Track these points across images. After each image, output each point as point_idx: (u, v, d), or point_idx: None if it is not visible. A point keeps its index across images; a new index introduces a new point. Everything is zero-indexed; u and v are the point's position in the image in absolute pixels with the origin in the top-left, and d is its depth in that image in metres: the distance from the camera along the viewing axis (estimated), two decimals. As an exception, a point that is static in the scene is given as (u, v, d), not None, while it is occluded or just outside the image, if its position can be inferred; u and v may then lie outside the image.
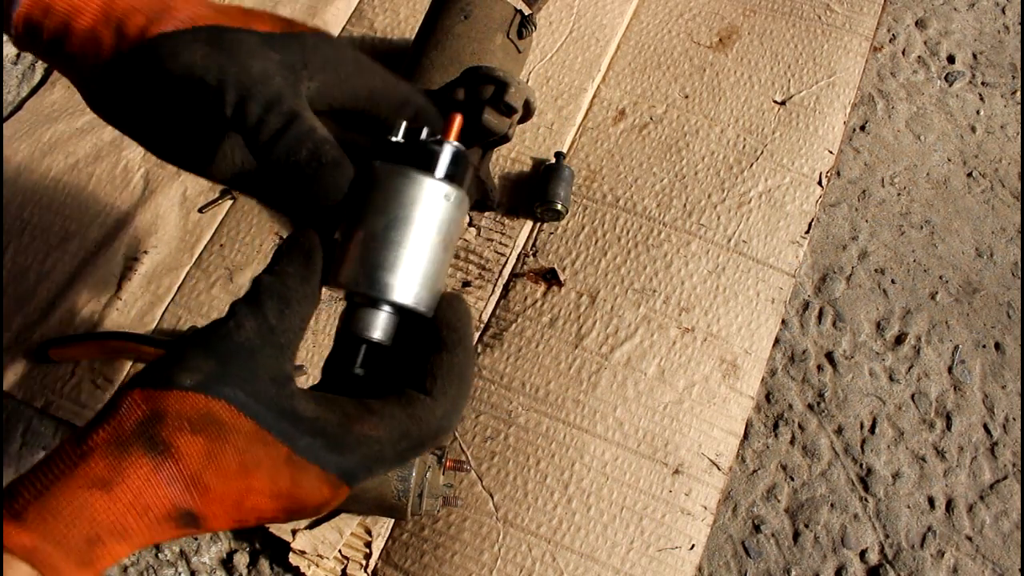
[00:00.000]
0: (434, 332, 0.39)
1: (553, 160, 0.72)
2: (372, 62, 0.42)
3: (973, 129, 0.80)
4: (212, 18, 0.40)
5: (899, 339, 0.70)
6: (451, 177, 0.39)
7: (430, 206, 0.38)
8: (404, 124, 0.40)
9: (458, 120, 0.40)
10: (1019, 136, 0.79)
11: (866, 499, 0.64)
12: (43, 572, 0.30)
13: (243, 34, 0.39)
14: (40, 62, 0.80)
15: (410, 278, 0.38)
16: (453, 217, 0.39)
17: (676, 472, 0.62)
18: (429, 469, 0.57)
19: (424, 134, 0.39)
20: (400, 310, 0.39)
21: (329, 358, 0.42)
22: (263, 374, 0.35)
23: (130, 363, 0.65)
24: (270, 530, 0.60)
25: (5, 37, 0.84)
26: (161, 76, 0.39)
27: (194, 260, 0.69)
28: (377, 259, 0.38)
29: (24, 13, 0.39)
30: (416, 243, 0.38)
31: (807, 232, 0.71)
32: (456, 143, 0.39)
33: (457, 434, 0.63)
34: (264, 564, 0.61)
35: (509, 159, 0.74)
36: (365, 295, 0.38)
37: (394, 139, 0.39)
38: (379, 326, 0.39)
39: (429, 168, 0.38)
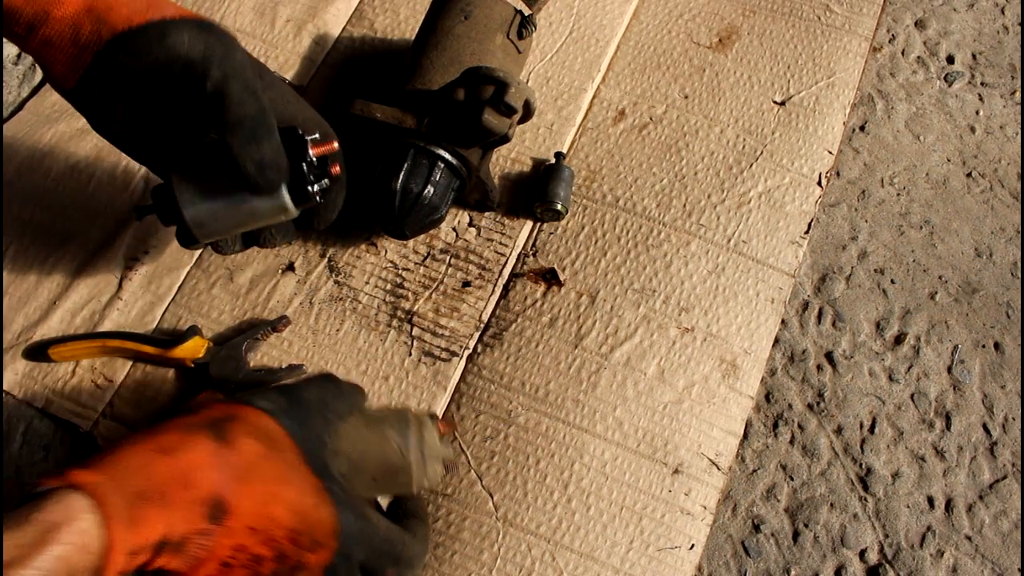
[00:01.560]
0: (413, 505, 0.53)
1: (553, 160, 0.73)
2: (303, 100, 0.52)
3: (972, 129, 0.80)
4: (195, 15, 0.44)
5: (899, 339, 0.70)
6: (298, 198, 0.51)
7: (271, 212, 0.51)
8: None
9: (333, 144, 0.53)
10: (1018, 136, 0.79)
11: (866, 499, 0.64)
12: (100, 508, 0.34)
13: (223, 29, 0.45)
14: (40, 62, 0.80)
15: (203, 211, 0.50)
16: (270, 212, 0.51)
17: (676, 472, 0.62)
18: (425, 427, 0.54)
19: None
20: (178, 219, 0.51)
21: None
22: (314, 427, 0.45)
23: (130, 363, 0.65)
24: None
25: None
26: (148, 56, 0.42)
27: (194, 260, 0.69)
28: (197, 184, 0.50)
29: (6, 2, 0.41)
30: (233, 201, 0.50)
31: (807, 232, 0.71)
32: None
33: (457, 434, 0.63)
34: (264, 564, 0.61)
35: (509, 159, 0.74)
36: (172, 197, 0.50)
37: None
38: (157, 217, 0.52)
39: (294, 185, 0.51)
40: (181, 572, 0.38)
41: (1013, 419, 0.67)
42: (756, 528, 0.63)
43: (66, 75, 0.44)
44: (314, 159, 0.51)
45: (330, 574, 0.42)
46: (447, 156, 0.63)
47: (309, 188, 0.50)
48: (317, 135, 0.52)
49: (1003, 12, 0.86)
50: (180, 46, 0.42)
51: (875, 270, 0.73)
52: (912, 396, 0.68)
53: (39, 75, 0.80)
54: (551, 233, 0.71)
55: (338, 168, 0.53)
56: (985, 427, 0.67)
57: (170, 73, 0.43)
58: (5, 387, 0.64)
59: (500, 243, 0.70)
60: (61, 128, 0.74)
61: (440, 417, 0.58)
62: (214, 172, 0.49)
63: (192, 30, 0.43)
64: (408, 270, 0.69)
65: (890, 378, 0.68)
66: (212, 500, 0.38)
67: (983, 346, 0.70)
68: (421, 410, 0.56)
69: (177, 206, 0.49)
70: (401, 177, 0.62)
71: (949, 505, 0.64)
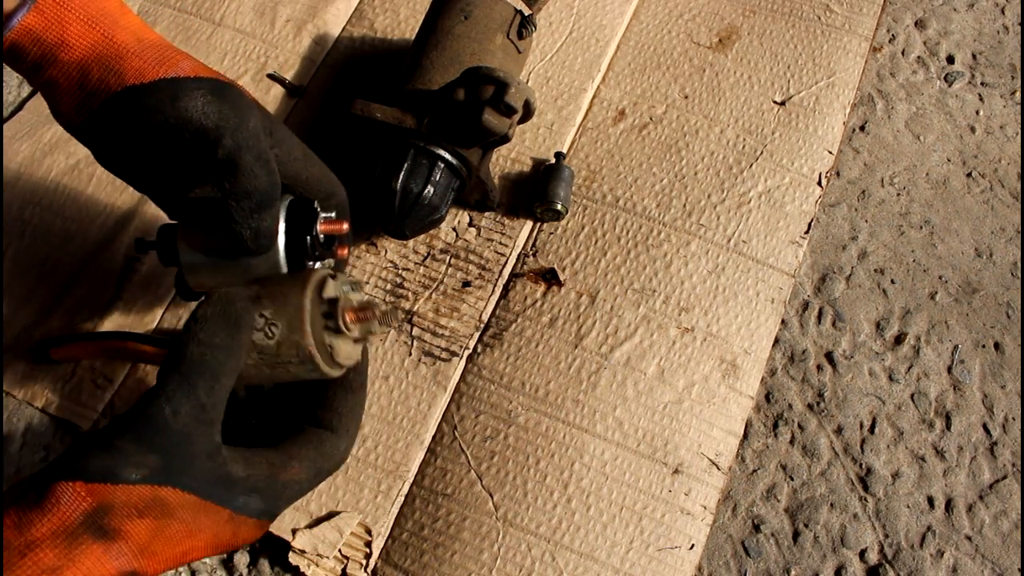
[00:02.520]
0: (337, 393, 0.43)
1: (553, 160, 0.73)
2: (311, 153, 0.50)
3: (972, 129, 0.80)
4: (209, 72, 0.43)
5: (899, 339, 0.70)
6: (294, 263, 0.49)
7: (261, 270, 0.49)
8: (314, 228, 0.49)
9: (344, 226, 0.51)
10: (1019, 136, 0.79)
11: (866, 499, 0.64)
12: None
13: (239, 91, 0.43)
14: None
15: (196, 259, 0.50)
16: (265, 268, 0.49)
17: (676, 472, 0.62)
18: (302, 312, 0.42)
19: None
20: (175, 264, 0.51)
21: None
22: (200, 452, 0.38)
23: (130, 363, 0.65)
24: (270, 530, 0.60)
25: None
26: (159, 114, 0.41)
27: (194, 260, 0.70)
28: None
29: (12, 39, 0.41)
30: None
31: (807, 232, 0.71)
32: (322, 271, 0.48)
33: (457, 433, 0.63)
34: (264, 564, 0.61)
35: (509, 159, 0.74)
36: (173, 248, 0.50)
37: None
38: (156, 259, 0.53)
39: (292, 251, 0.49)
40: None
41: (1013, 419, 0.67)
42: (756, 528, 0.63)
43: (71, 115, 0.43)
44: (321, 236, 0.49)
45: None
46: (447, 156, 0.63)
47: (309, 263, 0.49)
48: (334, 214, 0.51)
49: (1003, 12, 0.86)
50: (193, 111, 0.41)
51: (875, 270, 0.73)
52: (912, 396, 0.68)
53: (39, 75, 0.80)
54: (551, 233, 0.71)
55: (345, 252, 0.52)
56: (985, 427, 0.67)
57: (180, 134, 0.41)
58: (5, 387, 0.64)
59: (500, 243, 0.70)
60: (61, 128, 0.74)
61: (344, 303, 0.44)
62: (217, 227, 0.48)
63: (206, 95, 0.41)
64: (408, 270, 0.69)
65: (890, 378, 0.68)
66: (120, 574, 0.35)
67: (983, 346, 0.70)
68: (316, 320, 0.42)
69: (177, 253, 0.49)
70: (401, 177, 0.62)
71: (949, 505, 0.64)
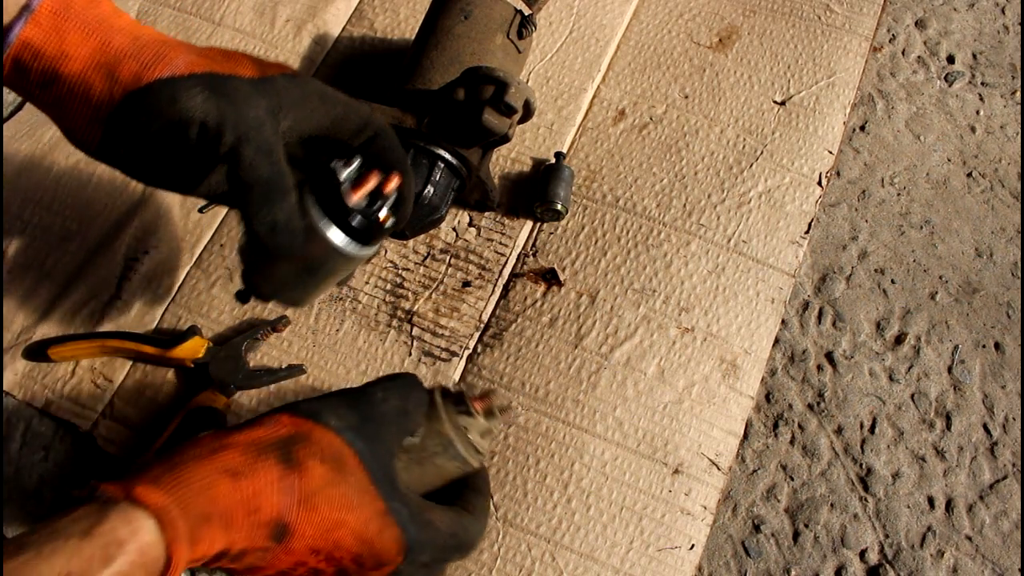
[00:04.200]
0: (476, 480, 0.49)
1: (553, 160, 0.72)
2: (335, 91, 0.48)
3: (973, 129, 0.80)
4: (205, 65, 0.43)
5: (899, 339, 0.70)
6: (355, 233, 0.48)
7: (324, 250, 0.48)
8: (347, 170, 0.47)
9: (372, 181, 0.48)
10: (1019, 136, 0.79)
11: (866, 499, 0.64)
12: (164, 530, 0.35)
13: (236, 81, 0.43)
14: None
15: (274, 287, 0.50)
16: (338, 262, 0.49)
17: (676, 472, 0.62)
18: (465, 429, 0.48)
19: (347, 183, 0.47)
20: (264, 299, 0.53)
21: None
22: (385, 442, 0.43)
23: (130, 363, 0.65)
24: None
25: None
26: (160, 118, 0.41)
27: (194, 260, 0.69)
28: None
29: (13, 55, 0.41)
30: (294, 265, 0.49)
31: (807, 232, 0.71)
32: (364, 208, 0.48)
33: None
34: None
35: (509, 159, 0.74)
36: (246, 283, 0.50)
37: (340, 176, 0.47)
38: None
39: (345, 228, 0.47)
40: (237, 571, 0.39)
41: (1013, 419, 0.67)
42: (756, 528, 0.63)
43: (86, 138, 0.43)
44: (361, 200, 0.47)
45: None
46: (447, 156, 0.63)
47: (350, 222, 0.47)
48: (357, 161, 0.48)
49: (1003, 12, 0.86)
50: (192, 109, 0.41)
51: (875, 270, 0.73)
52: (912, 396, 0.68)
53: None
54: (551, 233, 0.71)
55: (391, 185, 0.49)
56: (985, 427, 0.67)
57: (184, 134, 0.42)
58: (5, 387, 0.64)
59: (500, 243, 0.70)
60: (61, 128, 0.74)
61: (468, 392, 0.51)
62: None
63: (204, 91, 0.41)
64: (408, 270, 0.69)
65: (890, 378, 0.68)
66: (276, 523, 0.38)
67: (983, 346, 0.70)
68: (449, 407, 0.48)
69: (254, 292, 0.50)
70: (401, 177, 0.62)
71: (949, 505, 0.64)
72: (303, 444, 0.40)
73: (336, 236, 0.47)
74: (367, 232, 0.48)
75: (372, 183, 0.48)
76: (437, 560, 0.44)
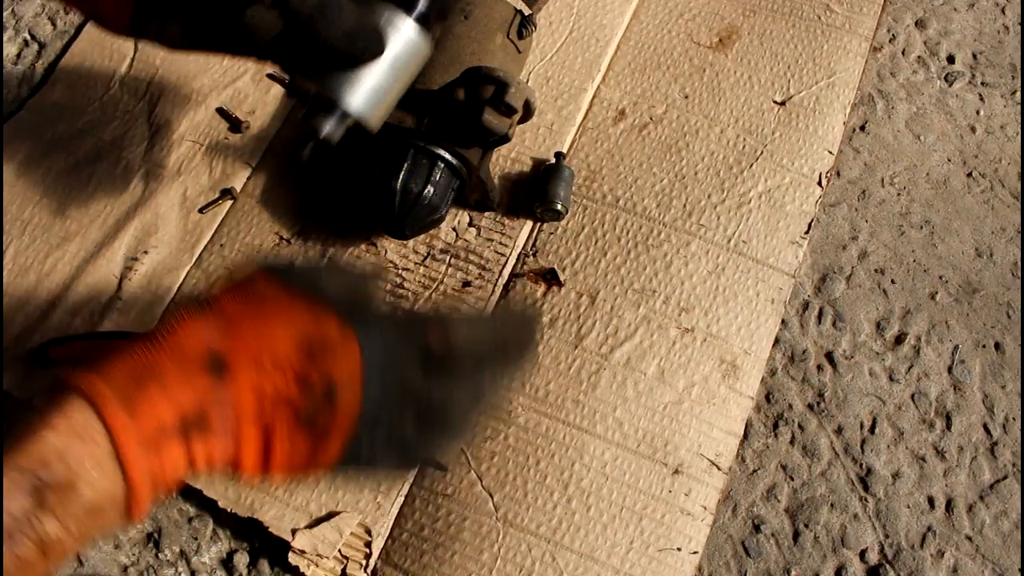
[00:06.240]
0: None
1: (553, 160, 0.72)
2: None
3: (973, 129, 0.80)
4: None
5: (899, 339, 0.70)
6: (423, 18, 0.46)
7: (397, 43, 0.46)
8: None
9: None
10: (1019, 136, 0.79)
11: (866, 499, 0.64)
12: (94, 401, 0.33)
13: None
14: (40, 63, 0.80)
15: (362, 95, 0.47)
16: (412, 53, 0.47)
17: (676, 472, 0.62)
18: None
19: None
20: (346, 116, 0.48)
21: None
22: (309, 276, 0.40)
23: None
24: (270, 530, 0.60)
25: (6, 36, 0.84)
26: None
27: (194, 260, 0.69)
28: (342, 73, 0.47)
29: None
30: (375, 70, 0.47)
31: (807, 232, 0.71)
32: None
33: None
34: (264, 564, 0.61)
35: (509, 159, 0.74)
36: (327, 99, 0.47)
37: None
38: (328, 126, 0.48)
39: (407, 7, 0.46)
40: (234, 456, 0.36)
41: (1013, 419, 0.67)
42: (756, 528, 0.63)
43: (118, 19, 0.42)
44: None
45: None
46: (447, 156, 0.63)
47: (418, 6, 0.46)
48: None
49: (1004, 12, 0.86)
50: None
51: (875, 270, 0.73)
52: (912, 396, 0.68)
53: (39, 75, 0.80)
54: (551, 233, 0.71)
55: None
56: (986, 427, 0.67)
57: None
58: (5, 387, 0.64)
59: (500, 243, 0.70)
60: (61, 128, 0.74)
61: None
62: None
63: None
64: (408, 270, 0.69)
65: (890, 378, 0.68)
66: (208, 355, 0.36)
67: (983, 346, 0.70)
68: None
69: (337, 105, 0.47)
70: (401, 177, 0.62)
71: (950, 505, 0.64)
72: (219, 290, 0.39)
73: (409, 27, 0.46)
74: (430, 15, 0.47)
75: None
76: (406, 330, 0.42)
